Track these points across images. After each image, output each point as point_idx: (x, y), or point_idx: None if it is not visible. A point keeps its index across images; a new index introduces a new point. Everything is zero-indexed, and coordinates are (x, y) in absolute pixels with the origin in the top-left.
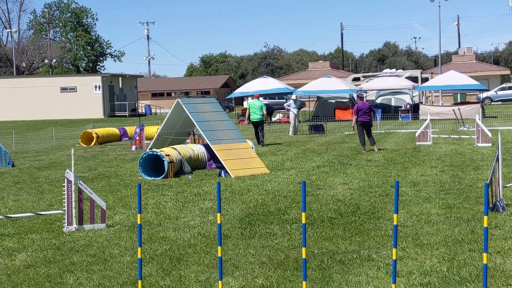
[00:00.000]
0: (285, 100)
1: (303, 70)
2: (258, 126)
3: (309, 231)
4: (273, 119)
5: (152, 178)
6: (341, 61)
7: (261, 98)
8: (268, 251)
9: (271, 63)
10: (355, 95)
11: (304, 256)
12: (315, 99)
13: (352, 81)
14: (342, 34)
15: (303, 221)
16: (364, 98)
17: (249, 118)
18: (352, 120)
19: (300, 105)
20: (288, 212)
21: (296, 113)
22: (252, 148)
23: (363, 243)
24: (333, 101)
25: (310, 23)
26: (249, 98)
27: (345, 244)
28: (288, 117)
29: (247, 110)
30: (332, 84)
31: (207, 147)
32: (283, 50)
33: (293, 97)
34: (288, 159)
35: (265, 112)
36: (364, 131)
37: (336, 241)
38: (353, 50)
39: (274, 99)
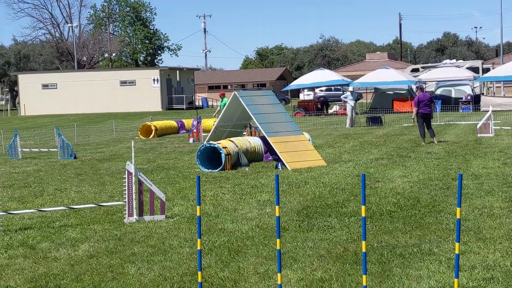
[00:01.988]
0: (341, 92)
1: (360, 62)
2: None
3: (368, 224)
4: (330, 111)
5: (210, 170)
6: (399, 52)
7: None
8: (327, 244)
9: (328, 55)
10: (413, 87)
11: (364, 250)
12: (373, 90)
13: (411, 72)
14: (400, 24)
15: (363, 215)
16: (424, 89)
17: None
18: (411, 112)
19: (357, 96)
20: (346, 205)
21: (353, 105)
22: (309, 140)
23: (424, 237)
24: (391, 92)
25: (367, 13)
26: (305, 90)
27: (405, 237)
28: (345, 109)
29: (220, 107)
30: (390, 76)
31: (263, 139)
32: (339, 41)
33: (350, 88)
34: (345, 152)
35: None
36: (424, 123)
37: (396, 234)
38: (411, 41)
39: (331, 90)
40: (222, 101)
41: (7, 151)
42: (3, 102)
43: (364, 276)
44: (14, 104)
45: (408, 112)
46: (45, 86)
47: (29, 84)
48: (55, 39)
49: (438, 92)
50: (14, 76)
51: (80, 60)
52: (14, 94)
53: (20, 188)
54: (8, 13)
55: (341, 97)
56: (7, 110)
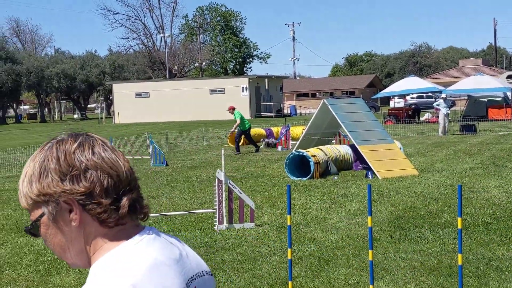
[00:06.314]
0: (433, 99)
1: (453, 68)
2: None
3: (463, 236)
4: (421, 118)
5: (298, 178)
6: (494, 58)
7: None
8: (420, 255)
9: (419, 61)
10: (509, 94)
11: (460, 263)
12: (466, 98)
13: (506, 78)
14: (495, 29)
15: (459, 226)
16: None
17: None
18: (507, 119)
19: (451, 104)
20: (439, 215)
21: (445, 112)
22: (400, 149)
23: None
24: (485, 100)
25: (460, 19)
26: (396, 97)
27: (502, 250)
28: (437, 117)
29: (240, 120)
30: (484, 82)
31: (353, 147)
32: (431, 47)
33: (443, 95)
34: (438, 161)
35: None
36: None
37: (492, 247)
38: (507, 46)
39: (422, 98)
40: (234, 115)
41: None
42: (99, 111)
43: None
44: (108, 112)
45: (504, 120)
46: (138, 94)
47: (123, 93)
48: (147, 49)
49: None
50: (109, 85)
51: (171, 69)
52: (109, 103)
53: None
54: (104, 24)
55: (434, 104)
56: (102, 118)
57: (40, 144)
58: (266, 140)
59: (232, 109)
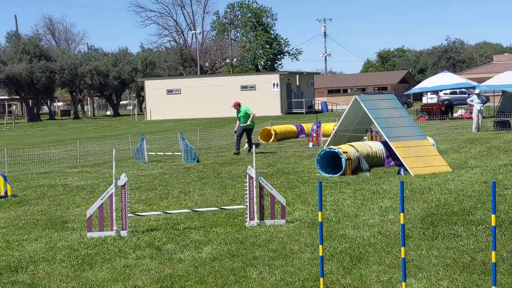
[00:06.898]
0: (467, 95)
1: (487, 64)
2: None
3: (497, 233)
4: (455, 115)
5: (330, 175)
6: None
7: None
8: (453, 253)
9: (452, 57)
10: None
11: (493, 260)
12: (500, 93)
13: None
14: None
15: (493, 223)
16: None
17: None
18: None
19: (484, 100)
20: (473, 212)
21: (479, 108)
22: (433, 145)
23: None
24: None
25: (494, 13)
26: (428, 93)
27: None
28: (471, 113)
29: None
30: None
31: (385, 144)
32: (465, 43)
33: (477, 91)
34: (471, 157)
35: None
36: None
37: None
38: None
39: (456, 94)
40: (240, 112)
41: (135, 154)
42: (131, 107)
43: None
44: (140, 109)
45: None
46: (169, 91)
47: (154, 89)
48: (179, 45)
49: None
50: (141, 82)
51: (202, 66)
52: (140, 100)
53: (147, 190)
54: (136, 21)
55: (467, 100)
56: (134, 115)
57: (74, 140)
58: (254, 142)
59: (237, 105)
